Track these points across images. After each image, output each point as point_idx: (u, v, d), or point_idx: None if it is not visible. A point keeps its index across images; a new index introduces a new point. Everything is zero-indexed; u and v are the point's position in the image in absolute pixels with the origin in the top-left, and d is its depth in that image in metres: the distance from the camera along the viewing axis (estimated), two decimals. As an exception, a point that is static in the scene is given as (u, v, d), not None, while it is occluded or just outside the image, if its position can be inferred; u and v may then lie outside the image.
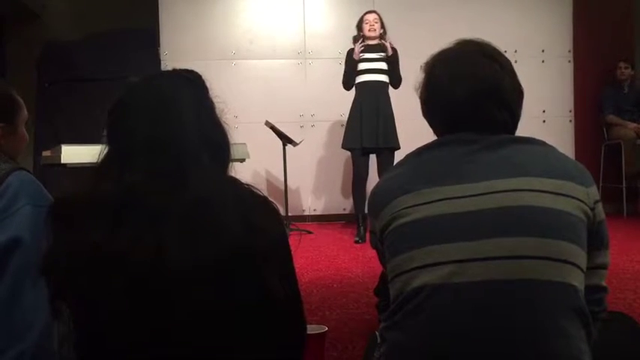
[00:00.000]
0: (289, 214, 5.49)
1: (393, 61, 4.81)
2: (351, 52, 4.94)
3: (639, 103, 6.28)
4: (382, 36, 4.91)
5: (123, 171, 1.08)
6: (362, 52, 4.86)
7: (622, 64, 6.25)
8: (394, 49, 4.82)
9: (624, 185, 6.01)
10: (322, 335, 1.98)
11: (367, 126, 4.80)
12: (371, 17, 4.91)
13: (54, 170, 4.41)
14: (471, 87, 1.30)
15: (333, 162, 6.18)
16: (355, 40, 4.97)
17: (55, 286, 1.08)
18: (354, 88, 4.95)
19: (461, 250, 1.15)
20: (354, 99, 4.95)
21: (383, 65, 4.87)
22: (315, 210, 6.26)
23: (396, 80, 4.85)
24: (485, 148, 1.26)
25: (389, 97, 4.89)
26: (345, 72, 4.96)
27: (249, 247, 1.05)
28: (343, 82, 4.96)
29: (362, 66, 4.88)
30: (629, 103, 6.27)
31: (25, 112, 1.77)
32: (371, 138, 4.79)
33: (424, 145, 1.33)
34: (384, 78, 4.89)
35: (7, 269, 1.45)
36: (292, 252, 1.19)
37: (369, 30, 4.87)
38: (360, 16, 4.98)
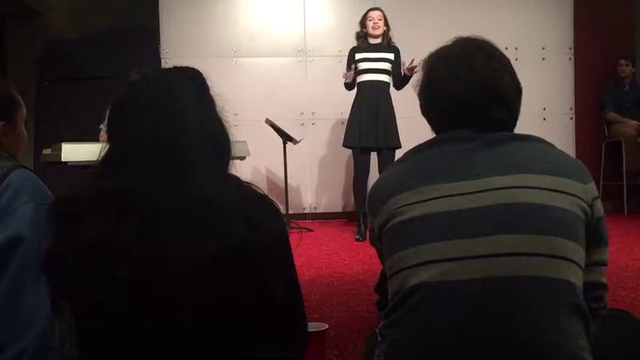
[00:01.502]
0: (290, 212, 5.49)
1: (405, 77, 4.76)
2: (353, 50, 4.93)
3: (640, 100, 6.29)
4: (386, 33, 4.90)
5: (124, 168, 1.09)
6: (364, 51, 4.86)
7: (623, 62, 6.25)
8: (412, 69, 4.65)
9: (625, 183, 6.01)
10: (323, 333, 1.98)
11: (367, 126, 4.79)
12: (375, 14, 4.87)
13: (54, 168, 4.41)
14: (470, 85, 1.30)
15: (333, 160, 6.18)
16: (358, 37, 4.96)
17: (56, 284, 1.09)
18: (355, 86, 4.96)
19: (459, 247, 1.15)
20: (355, 98, 4.95)
21: (384, 65, 4.86)
22: (315, 208, 6.26)
23: (399, 87, 4.86)
24: (483, 146, 1.26)
25: (390, 97, 4.89)
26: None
27: (250, 245, 1.06)
28: (345, 84, 4.96)
29: (363, 65, 4.86)
30: (630, 101, 6.26)
31: (24, 111, 1.78)
32: (370, 138, 4.79)
33: (422, 143, 1.34)
34: (385, 78, 4.88)
35: (8, 267, 1.45)
36: (293, 250, 1.19)
37: (373, 28, 4.84)
38: (365, 12, 4.96)
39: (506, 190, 1.18)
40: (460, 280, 1.13)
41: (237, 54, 6.18)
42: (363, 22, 4.93)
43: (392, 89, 4.93)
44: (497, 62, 1.32)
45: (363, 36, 4.92)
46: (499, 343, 1.11)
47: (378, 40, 4.90)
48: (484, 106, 1.30)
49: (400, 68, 4.84)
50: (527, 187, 1.18)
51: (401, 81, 4.83)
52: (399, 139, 4.82)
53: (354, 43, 5.00)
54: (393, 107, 4.88)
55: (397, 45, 4.94)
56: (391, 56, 4.87)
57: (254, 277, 1.07)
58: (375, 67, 4.85)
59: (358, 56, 4.88)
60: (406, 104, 4.75)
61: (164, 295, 1.02)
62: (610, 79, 6.36)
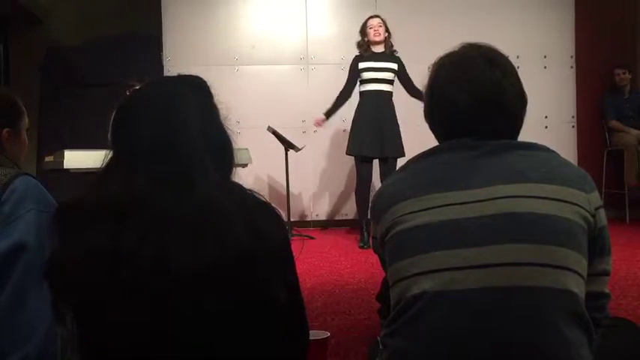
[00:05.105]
0: (292, 219, 5.49)
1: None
2: (356, 59, 4.94)
3: (640, 107, 6.29)
4: (387, 40, 4.92)
5: (127, 175, 1.09)
6: (368, 60, 4.87)
7: (619, 71, 6.24)
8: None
9: (627, 191, 6.00)
10: (324, 341, 1.98)
11: (369, 135, 4.80)
12: (375, 22, 4.89)
13: (56, 175, 4.41)
14: (472, 93, 1.30)
15: (335, 167, 6.18)
16: (360, 46, 4.97)
17: (58, 289, 1.09)
18: (358, 95, 4.98)
19: (460, 256, 1.15)
20: (357, 107, 4.97)
21: (388, 75, 4.88)
22: (317, 215, 6.26)
23: (414, 93, 4.85)
24: (486, 154, 1.26)
25: (392, 106, 4.92)
26: (346, 81, 4.99)
27: (252, 252, 1.06)
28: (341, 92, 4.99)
29: (367, 75, 4.88)
30: (631, 108, 6.25)
31: (26, 118, 1.82)
32: (373, 147, 4.80)
33: (425, 151, 1.33)
34: (387, 88, 4.90)
35: (12, 273, 1.46)
36: (294, 257, 1.20)
37: (374, 35, 4.86)
38: (364, 21, 4.98)
39: (508, 199, 1.18)
40: (461, 290, 1.13)
41: (240, 62, 6.20)
42: (363, 31, 4.95)
43: (395, 98, 4.95)
44: (499, 70, 1.32)
45: (365, 45, 4.94)
46: (500, 352, 1.10)
47: (381, 49, 4.92)
48: (485, 114, 1.30)
49: (408, 75, 4.89)
50: (529, 197, 1.18)
51: (414, 89, 4.82)
52: (402, 148, 4.83)
53: (356, 52, 5.02)
54: (395, 116, 4.90)
55: (398, 51, 4.98)
56: (394, 66, 4.89)
57: (255, 284, 1.07)
58: (379, 76, 4.87)
59: (362, 65, 4.89)
60: (409, 113, 4.80)
61: (165, 299, 1.02)
62: (609, 88, 6.36)
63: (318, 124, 5.10)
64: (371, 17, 4.96)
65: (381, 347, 1.27)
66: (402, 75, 4.91)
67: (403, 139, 4.86)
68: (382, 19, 4.92)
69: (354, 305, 2.97)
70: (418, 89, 4.84)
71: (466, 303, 1.13)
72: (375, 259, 1.48)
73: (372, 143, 4.79)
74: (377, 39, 4.86)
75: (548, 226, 1.15)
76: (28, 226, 1.49)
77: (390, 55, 4.92)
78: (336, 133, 6.12)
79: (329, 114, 5.02)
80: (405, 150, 4.79)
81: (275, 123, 5.43)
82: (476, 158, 1.25)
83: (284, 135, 5.33)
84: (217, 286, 1.04)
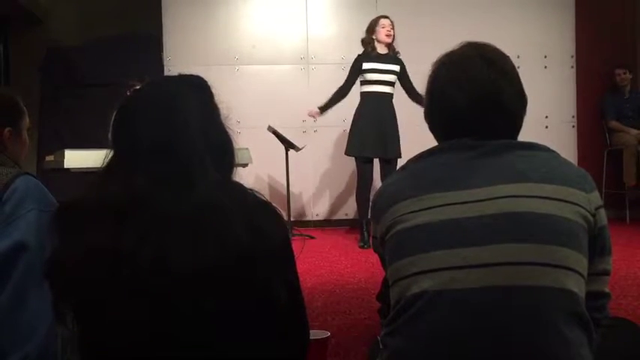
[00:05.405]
0: (292, 219, 5.49)
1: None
2: (360, 59, 4.92)
3: (640, 107, 6.29)
4: (391, 44, 4.91)
5: (127, 175, 1.09)
6: (372, 61, 4.86)
7: (620, 71, 6.24)
8: None
9: (627, 191, 6.00)
10: (325, 341, 1.98)
11: (369, 136, 4.81)
12: (387, 22, 4.86)
13: (57, 175, 4.41)
14: (470, 92, 1.30)
15: (335, 167, 6.18)
16: (365, 43, 4.94)
17: (59, 289, 1.09)
18: (358, 95, 4.97)
19: (460, 256, 1.15)
20: (358, 107, 4.97)
21: (390, 77, 4.88)
22: (317, 215, 6.26)
23: (416, 99, 4.79)
24: (486, 154, 1.26)
25: (393, 108, 4.92)
26: (346, 79, 4.97)
27: (252, 251, 1.06)
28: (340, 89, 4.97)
29: (369, 76, 4.87)
30: (631, 109, 6.25)
31: (27, 118, 1.83)
32: (372, 148, 4.80)
33: (425, 151, 1.34)
34: (389, 89, 4.90)
35: (12, 273, 1.46)
36: (295, 257, 1.20)
37: (387, 35, 4.83)
38: (375, 19, 4.95)
39: (508, 199, 1.18)
40: (461, 289, 1.13)
41: (240, 61, 6.20)
42: (372, 29, 4.91)
43: (395, 99, 4.95)
44: (497, 70, 1.32)
45: (371, 42, 4.91)
46: (500, 352, 1.10)
47: (385, 50, 4.90)
48: (483, 115, 1.30)
49: (409, 78, 4.88)
50: (529, 196, 1.18)
51: (415, 93, 4.81)
52: (400, 149, 4.83)
53: (357, 51, 5.01)
54: (396, 118, 4.91)
55: (400, 52, 4.97)
56: (397, 68, 4.89)
57: (256, 283, 1.07)
58: (382, 78, 4.87)
59: (366, 66, 4.87)
60: (409, 113, 4.80)
61: (165, 299, 1.02)
62: (609, 88, 6.36)
63: (312, 115, 5.06)
64: (383, 17, 4.92)
65: (381, 347, 1.27)
66: (404, 78, 4.91)
67: (403, 140, 4.87)
68: (392, 22, 4.89)
69: (354, 305, 2.97)
70: (419, 94, 4.84)
71: (466, 302, 1.13)
72: (375, 258, 1.48)
73: (374, 144, 4.79)
74: (388, 40, 4.85)
75: (548, 225, 1.16)
76: (29, 226, 1.49)
77: (393, 57, 4.92)
78: (336, 133, 6.12)
79: (323, 109, 5.01)
80: (405, 150, 4.77)
81: (275, 123, 5.43)
82: (476, 158, 1.25)
83: (284, 135, 5.33)
84: (217, 286, 1.04)
